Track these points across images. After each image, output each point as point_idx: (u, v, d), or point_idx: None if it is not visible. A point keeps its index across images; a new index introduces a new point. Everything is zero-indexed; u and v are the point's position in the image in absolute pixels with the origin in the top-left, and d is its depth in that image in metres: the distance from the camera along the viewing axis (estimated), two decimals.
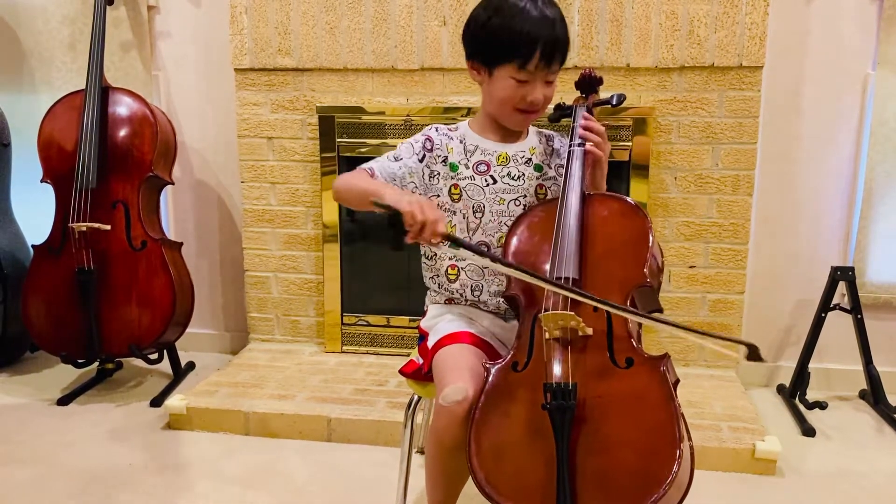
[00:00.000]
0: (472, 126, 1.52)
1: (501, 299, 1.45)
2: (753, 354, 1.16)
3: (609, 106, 1.58)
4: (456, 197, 1.47)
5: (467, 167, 1.47)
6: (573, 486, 1.11)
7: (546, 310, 1.27)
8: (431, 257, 1.53)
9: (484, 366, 1.29)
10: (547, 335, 1.25)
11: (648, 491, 1.07)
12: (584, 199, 1.40)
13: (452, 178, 1.47)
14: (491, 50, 1.39)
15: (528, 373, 1.25)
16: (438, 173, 1.48)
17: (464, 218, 1.47)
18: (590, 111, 1.53)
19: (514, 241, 1.41)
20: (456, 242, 1.23)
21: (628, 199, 1.43)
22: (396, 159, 1.46)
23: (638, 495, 1.07)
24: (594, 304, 1.21)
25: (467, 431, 1.21)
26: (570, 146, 1.46)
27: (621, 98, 1.58)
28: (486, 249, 1.45)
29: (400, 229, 1.20)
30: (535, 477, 1.14)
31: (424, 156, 1.47)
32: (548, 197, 1.49)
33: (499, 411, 1.22)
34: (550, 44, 1.36)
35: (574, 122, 1.50)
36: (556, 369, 1.21)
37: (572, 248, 1.32)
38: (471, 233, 1.47)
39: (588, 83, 1.59)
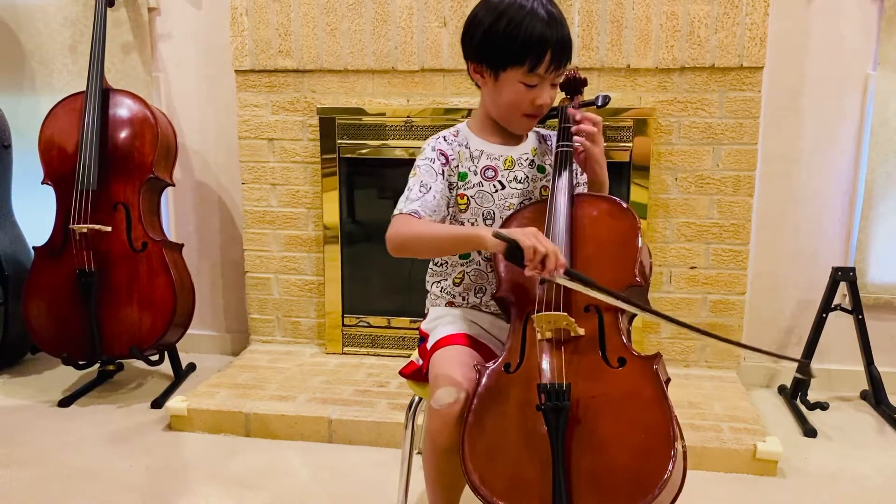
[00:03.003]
0: (472, 129, 1.49)
1: None
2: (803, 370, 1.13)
3: (594, 107, 1.57)
4: (463, 207, 1.45)
5: (475, 174, 1.45)
6: (568, 487, 1.10)
7: (538, 310, 1.26)
8: (442, 264, 1.51)
9: (476, 368, 1.29)
10: (539, 336, 1.25)
11: (644, 490, 1.06)
12: (573, 199, 1.39)
13: (460, 187, 1.45)
14: (499, 54, 1.36)
15: (521, 374, 1.25)
16: (456, 185, 1.45)
17: (472, 226, 1.45)
18: (575, 112, 1.52)
19: None
20: (574, 276, 1.20)
21: (617, 199, 1.42)
22: (428, 189, 1.39)
23: (633, 495, 1.07)
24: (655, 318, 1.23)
25: (460, 434, 1.21)
26: (557, 147, 1.45)
27: (606, 99, 1.57)
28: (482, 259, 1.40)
29: (518, 263, 1.18)
30: (530, 478, 1.14)
31: (444, 171, 1.43)
32: None
33: (492, 413, 1.22)
34: (560, 46, 1.34)
35: (560, 123, 1.49)
36: (550, 370, 1.21)
37: (562, 249, 1.31)
38: None
39: (573, 84, 1.58)
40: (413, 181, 1.42)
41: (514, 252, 1.18)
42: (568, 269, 1.19)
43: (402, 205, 1.39)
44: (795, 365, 2.42)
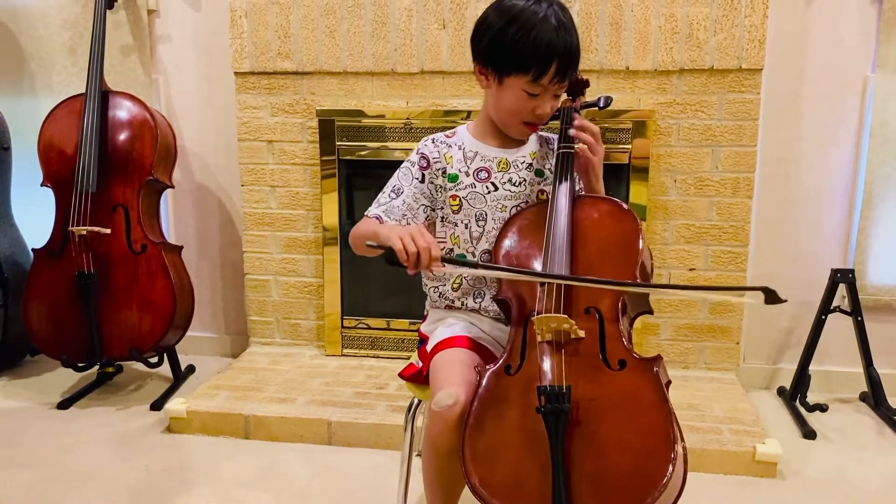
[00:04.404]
0: (471, 131, 1.49)
1: None
2: (771, 297, 1.09)
3: (596, 108, 1.58)
4: (456, 208, 1.45)
5: (468, 175, 1.45)
6: (568, 490, 1.10)
7: (539, 312, 1.27)
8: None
9: (476, 369, 1.29)
10: (539, 338, 1.25)
11: (644, 493, 1.06)
12: (574, 200, 1.39)
13: (451, 189, 1.45)
14: (505, 60, 1.35)
15: (521, 376, 1.25)
16: (442, 186, 1.46)
17: (466, 228, 1.45)
18: (577, 114, 1.51)
19: (506, 243, 1.41)
20: (454, 262, 1.25)
21: (618, 200, 1.42)
22: (398, 193, 1.43)
23: (633, 497, 1.07)
24: (591, 285, 1.27)
25: (461, 436, 1.21)
26: (559, 149, 1.45)
27: (608, 100, 1.57)
28: (482, 260, 1.42)
29: (399, 265, 1.21)
30: (530, 480, 1.14)
31: (424, 175, 1.45)
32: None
33: (492, 415, 1.22)
34: (567, 57, 1.33)
35: (562, 124, 1.49)
36: (550, 372, 1.21)
37: (563, 250, 1.32)
38: (474, 242, 1.46)
39: (575, 86, 1.57)
40: (389, 183, 1.47)
41: (390, 256, 1.21)
42: (444, 259, 1.23)
43: (371, 207, 1.44)
44: (794, 367, 2.42)
